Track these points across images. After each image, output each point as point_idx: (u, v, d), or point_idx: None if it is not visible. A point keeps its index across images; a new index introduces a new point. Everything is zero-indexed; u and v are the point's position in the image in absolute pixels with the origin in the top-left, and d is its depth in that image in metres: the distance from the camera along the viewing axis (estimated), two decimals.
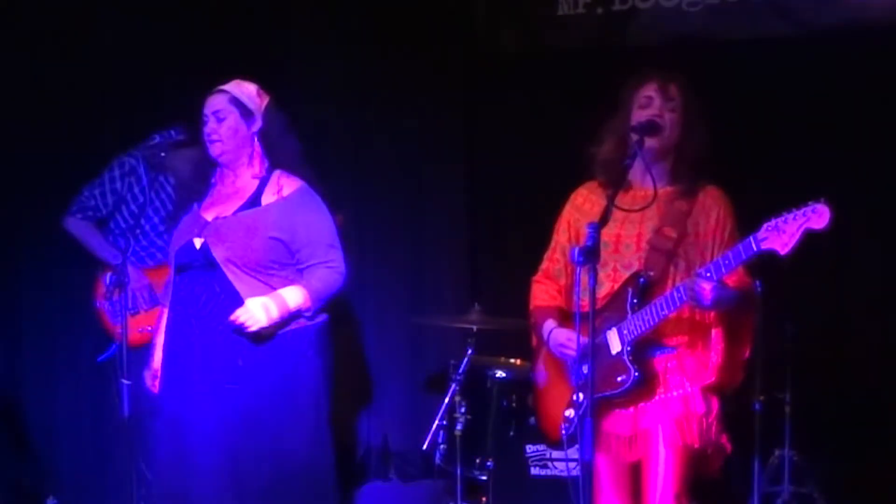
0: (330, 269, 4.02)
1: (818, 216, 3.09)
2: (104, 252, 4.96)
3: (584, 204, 3.67)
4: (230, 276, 3.91)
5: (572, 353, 3.46)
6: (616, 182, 3.45)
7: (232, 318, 3.86)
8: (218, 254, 3.91)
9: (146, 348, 4.24)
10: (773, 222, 3.16)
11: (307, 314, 4.00)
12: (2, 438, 5.38)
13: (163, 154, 3.98)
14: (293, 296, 3.95)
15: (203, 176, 4.08)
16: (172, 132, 3.99)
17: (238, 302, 3.90)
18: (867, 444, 5.24)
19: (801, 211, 3.11)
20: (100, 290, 4.94)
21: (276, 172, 4.04)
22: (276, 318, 3.90)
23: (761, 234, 3.17)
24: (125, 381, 3.75)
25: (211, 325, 3.91)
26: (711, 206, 3.51)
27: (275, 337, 3.95)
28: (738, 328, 3.49)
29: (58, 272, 5.43)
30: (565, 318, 3.61)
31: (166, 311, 4.11)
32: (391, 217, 6.08)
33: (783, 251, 3.12)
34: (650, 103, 3.54)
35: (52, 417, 5.56)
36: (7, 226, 5.48)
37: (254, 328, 3.87)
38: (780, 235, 3.12)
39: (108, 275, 4.61)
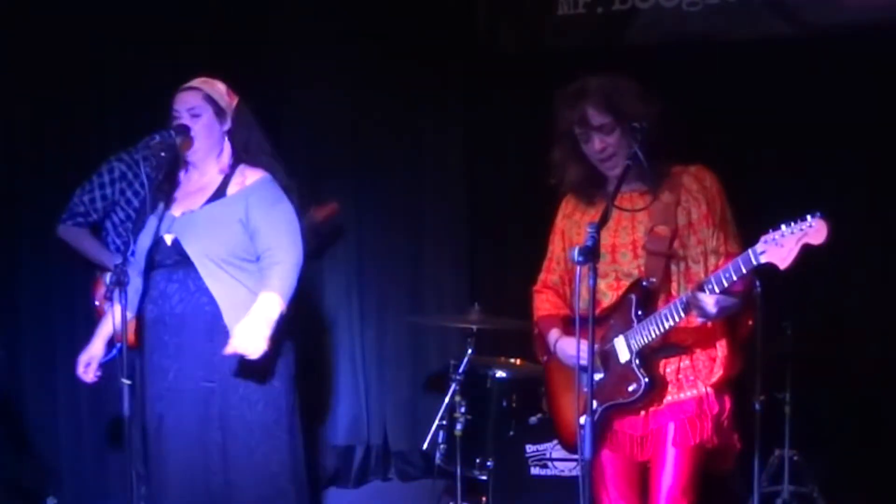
0: (286, 266, 3.92)
1: (816, 231, 3.05)
2: (100, 256, 4.93)
3: (573, 212, 3.65)
4: (203, 272, 3.88)
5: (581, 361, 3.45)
6: (601, 199, 3.41)
7: (228, 352, 3.78)
8: (191, 248, 3.90)
9: None
10: (770, 235, 3.12)
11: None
12: (2, 438, 5.37)
13: (163, 154, 3.97)
14: (271, 304, 3.85)
15: (171, 177, 4.05)
16: (172, 132, 3.98)
17: (212, 298, 3.89)
18: (867, 444, 5.25)
19: (798, 225, 3.08)
20: (99, 290, 4.93)
21: (241, 166, 4.04)
22: (268, 334, 3.82)
23: (759, 247, 3.14)
24: (125, 381, 3.74)
25: (186, 322, 3.90)
26: (699, 190, 3.47)
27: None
28: (737, 319, 3.47)
29: (58, 272, 5.42)
30: (570, 325, 3.59)
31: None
32: (391, 217, 6.08)
33: (783, 265, 3.09)
34: (589, 138, 3.47)
35: (52, 417, 5.56)
36: (7, 226, 5.47)
37: (257, 354, 3.80)
38: (779, 249, 3.09)
39: (108, 274, 4.60)
